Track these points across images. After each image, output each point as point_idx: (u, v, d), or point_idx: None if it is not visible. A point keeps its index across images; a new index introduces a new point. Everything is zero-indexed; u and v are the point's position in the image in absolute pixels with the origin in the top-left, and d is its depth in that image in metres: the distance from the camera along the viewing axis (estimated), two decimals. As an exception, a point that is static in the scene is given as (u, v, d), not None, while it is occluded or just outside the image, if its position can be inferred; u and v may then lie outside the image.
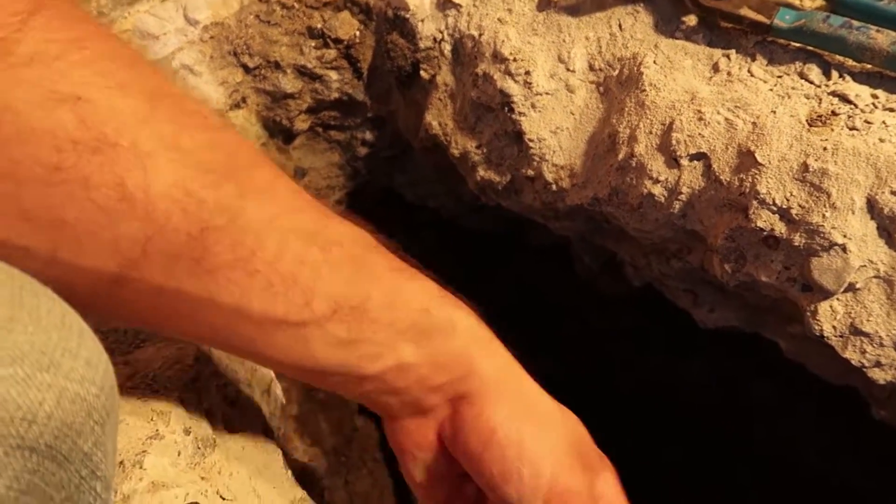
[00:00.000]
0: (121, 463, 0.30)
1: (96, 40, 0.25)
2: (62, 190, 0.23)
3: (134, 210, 0.24)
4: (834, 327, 0.37)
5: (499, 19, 0.46)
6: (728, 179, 0.38)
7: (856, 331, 0.37)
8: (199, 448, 0.34)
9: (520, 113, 0.45)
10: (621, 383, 0.68)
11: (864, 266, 0.36)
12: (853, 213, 0.35)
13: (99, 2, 0.45)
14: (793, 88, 0.38)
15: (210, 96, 0.49)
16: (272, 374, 0.43)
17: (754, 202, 0.37)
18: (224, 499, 0.32)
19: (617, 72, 0.43)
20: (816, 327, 0.37)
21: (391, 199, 0.62)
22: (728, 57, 0.40)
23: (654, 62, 0.41)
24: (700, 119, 0.38)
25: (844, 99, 0.37)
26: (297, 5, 0.48)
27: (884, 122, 0.35)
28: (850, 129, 0.36)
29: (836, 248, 0.35)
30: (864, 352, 0.37)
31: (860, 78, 0.37)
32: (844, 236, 0.35)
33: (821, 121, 0.36)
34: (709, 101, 0.38)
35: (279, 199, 0.27)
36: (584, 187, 0.44)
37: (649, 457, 0.64)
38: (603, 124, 0.43)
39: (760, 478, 0.63)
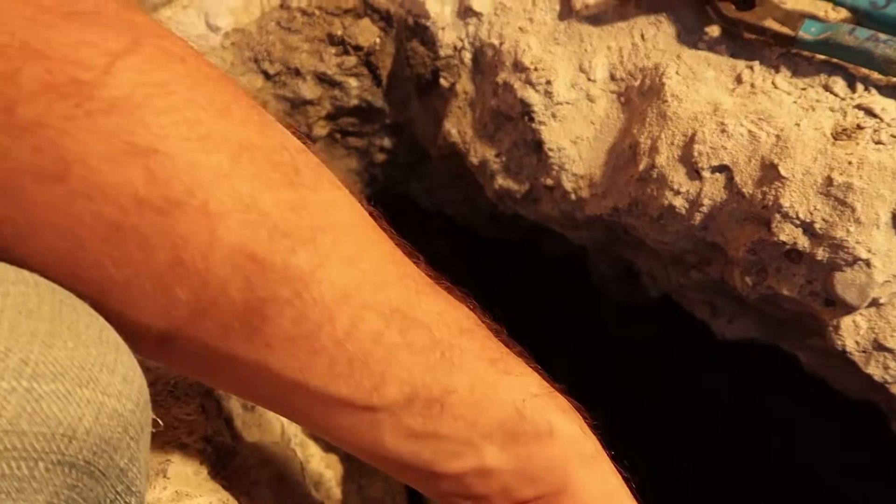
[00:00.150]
0: (144, 471, 0.30)
1: (188, 84, 0.23)
2: (119, 250, 0.21)
3: (189, 275, 0.22)
4: (857, 342, 0.37)
5: (520, 28, 0.46)
6: (750, 192, 0.38)
7: (879, 346, 0.37)
8: (220, 456, 0.34)
9: (540, 122, 0.45)
10: (636, 393, 0.68)
11: (889, 281, 0.35)
12: (878, 227, 0.35)
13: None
14: (817, 101, 0.37)
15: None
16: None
17: (777, 215, 0.36)
18: (244, 506, 0.33)
19: (638, 82, 0.43)
20: (839, 342, 0.37)
21: (407, 205, 0.62)
22: (751, 68, 0.39)
23: (677, 73, 0.41)
24: (723, 131, 0.38)
25: (870, 112, 0.36)
26: (317, 12, 0.49)
27: (910, 137, 0.35)
28: (876, 143, 0.36)
29: (860, 262, 0.35)
30: (886, 367, 0.37)
31: (886, 91, 0.37)
32: (868, 251, 0.35)
33: (846, 134, 0.36)
34: (732, 112, 0.38)
35: (363, 271, 0.25)
36: (603, 197, 0.44)
37: (663, 466, 0.64)
38: (624, 134, 0.43)
39: (776, 492, 0.63)
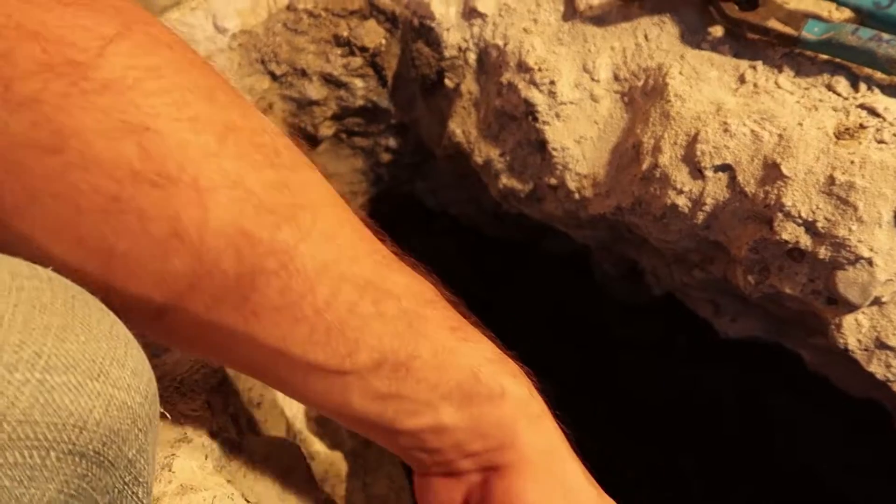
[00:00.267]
0: (152, 465, 0.30)
1: (176, 69, 0.24)
2: (118, 220, 0.23)
3: (185, 247, 0.23)
4: (859, 341, 0.37)
5: (524, 29, 0.46)
6: (753, 191, 0.38)
7: (881, 345, 0.37)
8: (225, 451, 0.34)
9: (543, 122, 0.45)
10: (639, 391, 0.68)
11: (891, 280, 0.36)
12: (880, 226, 0.35)
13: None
14: (820, 101, 0.38)
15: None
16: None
17: (779, 214, 0.37)
18: (249, 502, 0.33)
19: (642, 82, 0.43)
20: (841, 340, 0.37)
21: (412, 205, 0.62)
22: (754, 68, 0.40)
23: (680, 73, 0.41)
24: (725, 130, 0.38)
25: (872, 112, 0.36)
26: (324, 14, 0.49)
27: (912, 136, 0.35)
28: (879, 142, 0.36)
29: (863, 261, 0.35)
30: (889, 366, 0.37)
31: (889, 91, 0.37)
32: (871, 250, 0.35)
33: (848, 134, 0.36)
34: (735, 112, 0.38)
35: (339, 245, 0.26)
36: (607, 197, 0.45)
37: (666, 464, 0.64)
38: (627, 134, 0.43)
39: (779, 490, 0.63)
